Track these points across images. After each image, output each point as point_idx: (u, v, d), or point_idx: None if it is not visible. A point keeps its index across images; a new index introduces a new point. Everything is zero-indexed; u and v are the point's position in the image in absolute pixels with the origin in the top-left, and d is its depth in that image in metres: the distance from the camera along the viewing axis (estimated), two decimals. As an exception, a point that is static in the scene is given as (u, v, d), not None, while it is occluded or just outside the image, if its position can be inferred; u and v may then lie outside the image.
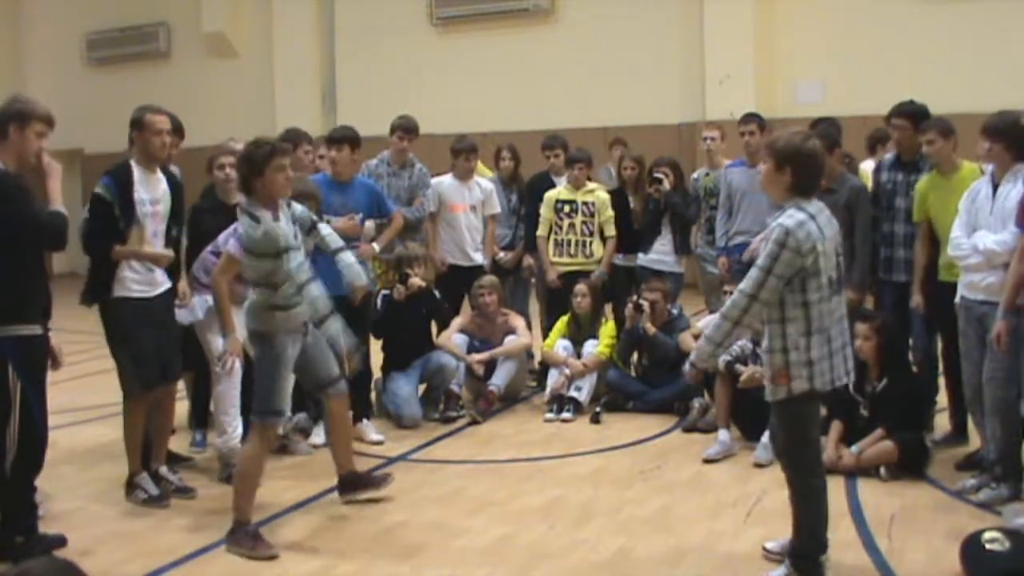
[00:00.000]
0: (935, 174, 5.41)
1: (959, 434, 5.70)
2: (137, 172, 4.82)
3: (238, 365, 5.25)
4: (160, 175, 4.97)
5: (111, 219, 4.72)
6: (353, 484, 5.00)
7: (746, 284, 3.66)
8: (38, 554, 4.04)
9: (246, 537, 4.36)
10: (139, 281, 4.83)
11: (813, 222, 3.66)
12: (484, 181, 7.55)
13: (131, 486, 4.92)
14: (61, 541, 4.33)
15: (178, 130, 5.70)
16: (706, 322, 6.74)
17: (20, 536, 4.14)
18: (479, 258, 7.40)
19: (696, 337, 6.55)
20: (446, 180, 7.39)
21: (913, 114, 5.70)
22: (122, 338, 4.78)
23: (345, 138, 6.26)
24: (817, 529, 3.82)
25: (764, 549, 4.16)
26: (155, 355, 4.88)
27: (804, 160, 3.70)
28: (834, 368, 3.73)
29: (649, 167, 7.45)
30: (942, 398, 5.99)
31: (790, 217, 3.65)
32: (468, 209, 7.34)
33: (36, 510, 4.28)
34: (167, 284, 5.04)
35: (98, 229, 4.75)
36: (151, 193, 4.86)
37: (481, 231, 7.44)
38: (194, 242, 5.50)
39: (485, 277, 7.14)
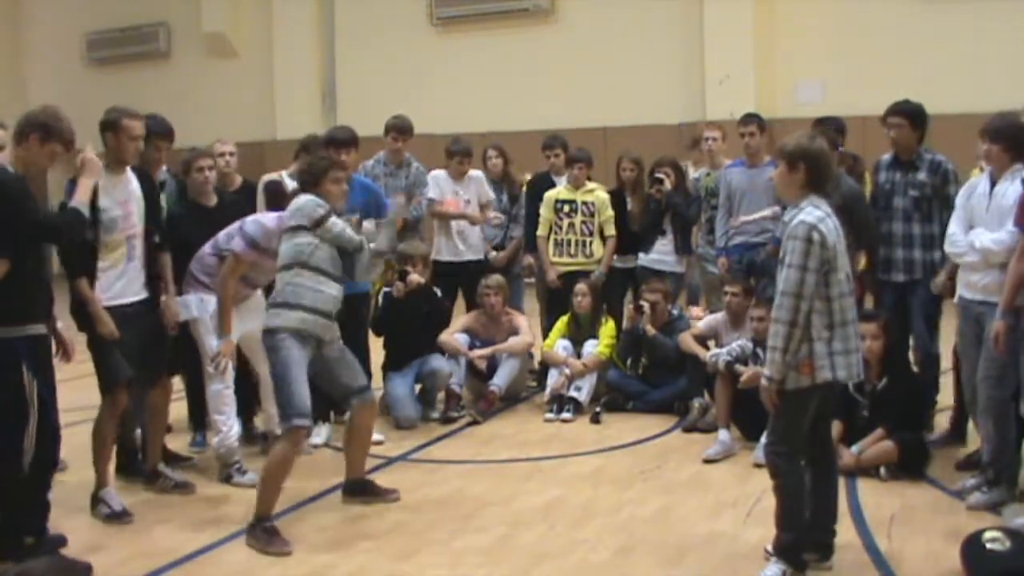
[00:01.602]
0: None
1: (956, 434, 5.70)
2: (102, 177, 4.65)
3: (231, 366, 5.27)
4: (129, 176, 4.84)
5: None
6: (360, 491, 5.01)
7: (787, 285, 3.75)
8: (40, 554, 4.05)
9: (263, 533, 4.43)
10: (113, 288, 4.75)
11: (830, 219, 3.82)
12: (475, 172, 7.57)
13: (95, 500, 4.82)
14: (61, 541, 4.33)
15: (168, 133, 5.69)
16: (706, 322, 6.74)
17: (30, 537, 4.10)
18: (470, 254, 7.43)
19: (696, 337, 6.56)
20: (442, 175, 7.43)
21: (910, 113, 5.71)
22: (99, 337, 4.69)
23: (354, 140, 6.27)
24: (802, 516, 3.88)
25: (766, 551, 4.15)
26: (134, 353, 4.79)
27: (815, 157, 3.86)
28: (854, 364, 3.85)
29: (650, 167, 7.45)
30: (943, 398, 6.00)
31: (809, 214, 3.79)
32: (463, 205, 7.39)
33: (48, 511, 4.24)
34: (145, 293, 4.94)
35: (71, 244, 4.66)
36: (117, 196, 4.74)
37: (476, 230, 7.47)
38: (174, 249, 5.36)
39: (491, 276, 7.14)
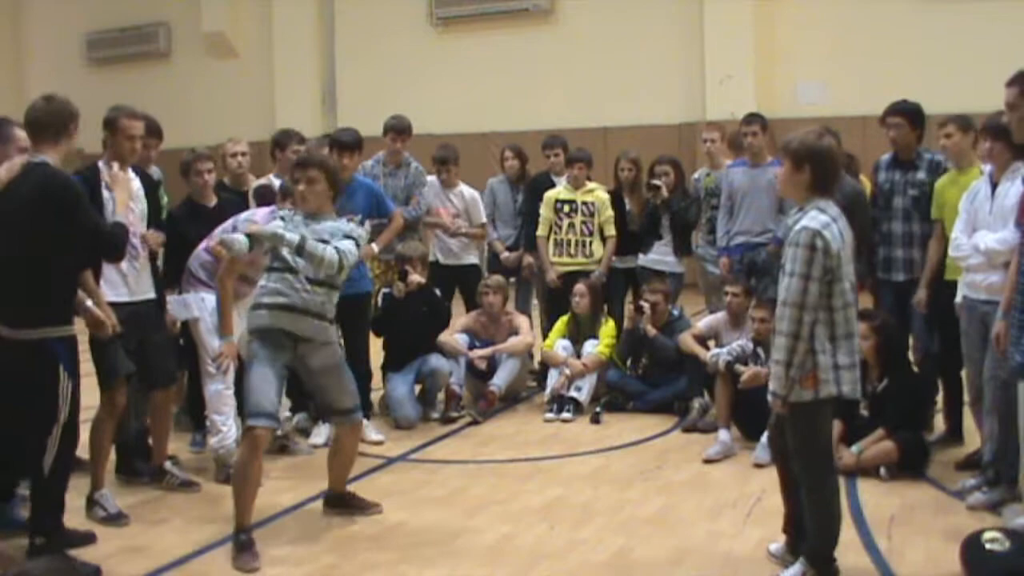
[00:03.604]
0: (953, 172, 5.41)
1: (953, 435, 5.69)
2: (105, 172, 4.75)
3: (232, 367, 5.27)
4: (131, 175, 4.87)
5: None
6: (341, 503, 4.91)
7: (789, 295, 3.60)
8: (45, 554, 4.03)
9: (235, 544, 4.32)
10: (117, 284, 4.78)
11: (835, 225, 3.65)
12: (467, 189, 7.58)
13: (91, 502, 4.79)
14: (81, 539, 4.33)
15: (156, 132, 5.70)
16: (706, 322, 6.74)
17: (40, 538, 4.07)
18: (470, 258, 7.46)
19: (696, 337, 6.55)
20: (435, 183, 7.45)
21: (909, 112, 5.72)
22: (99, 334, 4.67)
23: (357, 143, 6.28)
24: (834, 527, 3.82)
25: (769, 552, 4.15)
26: (137, 352, 4.80)
27: (821, 157, 3.68)
28: (858, 378, 3.72)
29: (650, 166, 7.44)
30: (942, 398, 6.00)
31: (813, 219, 3.62)
32: (450, 216, 7.42)
33: (63, 510, 4.22)
34: (151, 294, 4.98)
35: None
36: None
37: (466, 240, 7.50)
38: (173, 249, 5.40)
39: (492, 277, 7.17)
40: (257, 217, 5.23)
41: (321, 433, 6.08)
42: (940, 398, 6.01)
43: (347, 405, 4.70)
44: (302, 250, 4.34)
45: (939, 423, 5.88)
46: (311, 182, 4.59)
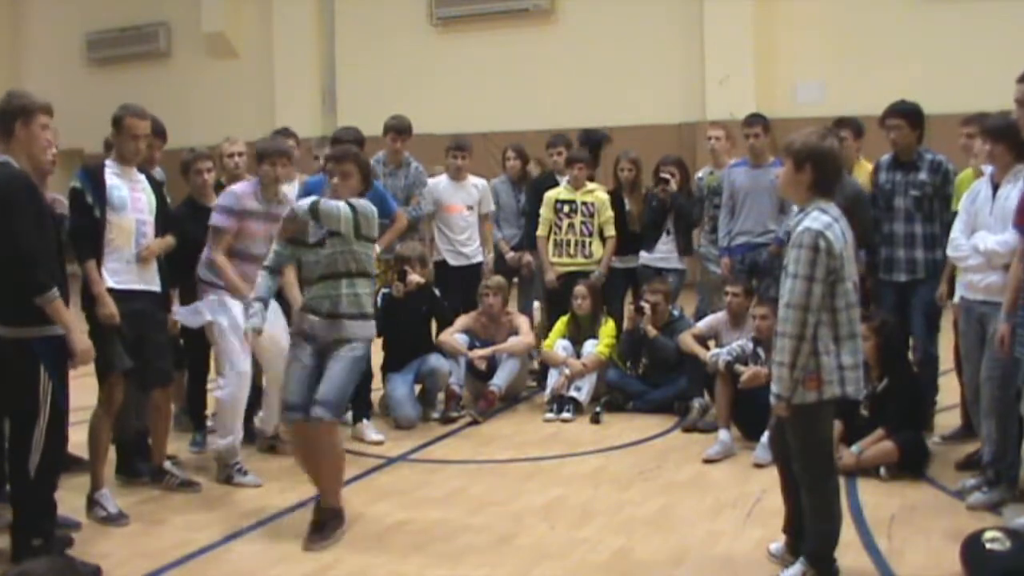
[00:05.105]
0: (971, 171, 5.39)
1: (969, 429, 5.67)
2: (111, 166, 4.79)
3: (247, 367, 5.25)
4: (136, 171, 4.92)
5: (87, 208, 4.66)
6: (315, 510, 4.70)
7: (792, 297, 3.58)
8: (44, 554, 4.02)
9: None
10: (120, 271, 4.77)
11: (837, 225, 3.64)
12: (479, 180, 7.60)
13: (91, 502, 4.78)
14: (68, 541, 4.32)
15: (161, 133, 5.71)
16: (706, 322, 6.73)
17: (38, 539, 4.05)
18: (477, 257, 7.45)
19: (696, 337, 6.55)
20: (442, 182, 7.42)
21: (907, 113, 5.72)
22: (97, 323, 4.67)
23: (359, 142, 6.29)
24: (835, 529, 3.82)
25: (769, 552, 4.15)
26: (135, 345, 4.79)
27: (823, 158, 3.67)
28: (861, 378, 3.72)
29: (655, 166, 7.44)
30: (943, 398, 6.01)
31: (815, 220, 3.61)
32: (465, 209, 7.41)
33: (55, 511, 4.21)
34: (155, 287, 4.96)
35: (79, 226, 4.68)
36: (126, 181, 4.81)
37: (478, 231, 7.48)
38: (175, 248, 5.35)
39: (492, 278, 7.17)
40: (234, 188, 5.40)
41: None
42: (942, 398, 6.03)
43: (317, 396, 4.44)
44: (316, 211, 4.43)
45: (944, 423, 5.87)
46: (345, 176, 4.65)
